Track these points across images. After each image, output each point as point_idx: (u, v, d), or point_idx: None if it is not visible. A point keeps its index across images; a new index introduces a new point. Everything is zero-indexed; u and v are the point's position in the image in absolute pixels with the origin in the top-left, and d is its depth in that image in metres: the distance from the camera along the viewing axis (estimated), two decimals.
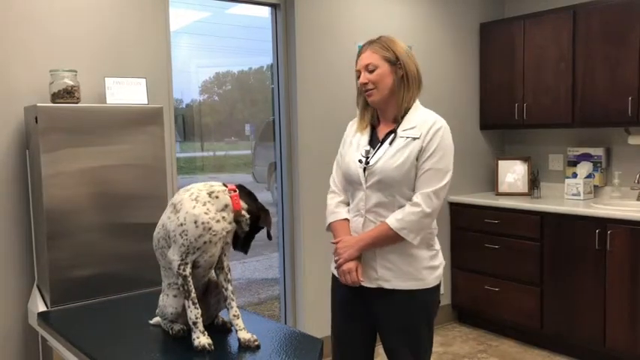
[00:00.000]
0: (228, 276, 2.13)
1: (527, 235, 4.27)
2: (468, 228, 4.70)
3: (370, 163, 2.24)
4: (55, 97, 2.86)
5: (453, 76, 4.82)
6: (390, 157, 2.21)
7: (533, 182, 4.70)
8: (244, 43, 4.49)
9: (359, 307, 2.36)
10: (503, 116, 4.77)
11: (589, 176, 4.47)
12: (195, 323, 2.01)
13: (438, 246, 2.35)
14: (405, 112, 2.28)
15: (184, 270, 2.00)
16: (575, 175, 4.53)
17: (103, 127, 2.87)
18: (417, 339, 2.31)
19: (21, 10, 2.97)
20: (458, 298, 4.85)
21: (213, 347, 2.00)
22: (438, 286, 2.33)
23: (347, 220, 2.34)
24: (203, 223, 1.97)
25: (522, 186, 4.81)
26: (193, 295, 2.01)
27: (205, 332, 2.02)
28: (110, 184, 2.90)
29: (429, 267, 2.27)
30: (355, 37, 4.21)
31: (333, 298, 2.48)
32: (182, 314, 2.13)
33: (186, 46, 4.12)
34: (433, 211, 2.21)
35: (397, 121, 2.28)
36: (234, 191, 2.06)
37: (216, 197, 2.02)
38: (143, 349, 2.13)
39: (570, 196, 4.41)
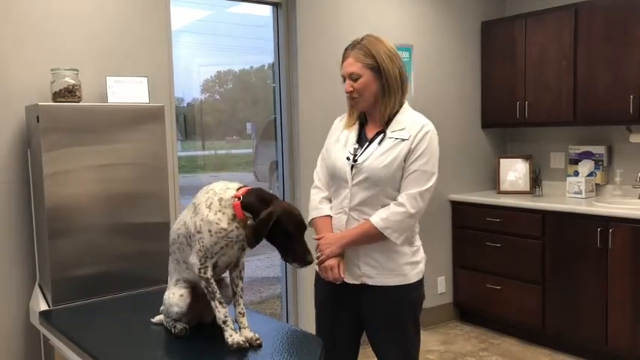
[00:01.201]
0: (242, 273, 2.14)
1: (529, 234, 4.27)
2: (470, 226, 4.70)
3: (358, 161, 2.25)
4: (57, 96, 2.87)
5: (455, 75, 4.82)
6: (379, 156, 2.23)
7: (535, 180, 4.69)
8: (246, 41, 4.49)
9: (343, 306, 2.37)
10: (505, 114, 4.76)
11: (591, 174, 4.46)
12: (225, 322, 2.02)
13: (418, 242, 2.37)
14: (395, 114, 2.29)
15: (205, 272, 2.01)
16: (576, 174, 4.52)
17: (105, 126, 2.87)
18: (404, 334, 2.33)
19: (22, 9, 2.97)
20: (460, 296, 4.85)
21: (247, 344, 2.01)
22: (421, 282, 2.36)
23: (329, 217, 2.35)
24: (217, 232, 1.97)
25: (524, 184, 4.81)
26: (219, 295, 2.03)
27: (237, 330, 2.04)
28: (111, 183, 2.90)
29: (411, 263, 2.30)
30: (357, 36, 4.19)
31: (317, 297, 2.50)
32: (186, 314, 2.14)
33: (187, 44, 4.12)
34: (417, 212, 2.22)
35: (385, 122, 2.29)
36: (238, 199, 1.99)
37: (225, 207, 1.99)
38: (145, 347, 2.13)
39: (572, 194, 4.41)
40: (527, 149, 4.98)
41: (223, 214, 1.98)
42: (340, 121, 2.45)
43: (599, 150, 4.46)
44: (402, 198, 2.21)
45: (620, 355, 3.84)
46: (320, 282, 2.42)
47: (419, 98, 4.57)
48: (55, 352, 2.66)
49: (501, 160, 4.92)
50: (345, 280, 2.28)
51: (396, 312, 2.30)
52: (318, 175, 2.45)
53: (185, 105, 4.29)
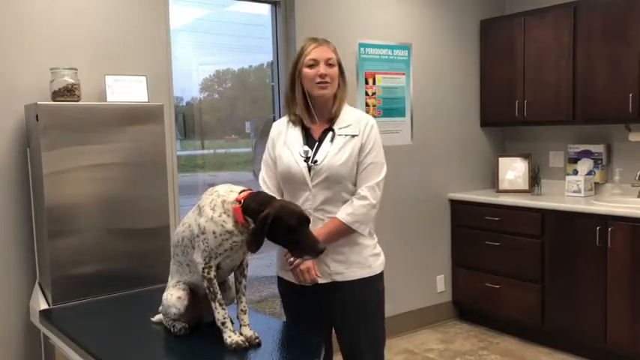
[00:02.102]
0: (245, 271, 2.14)
1: (528, 233, 4.27)
2: (469, 225, 4.70)
3: (317, 162, 2.28)
4: (56, 95, 2.87)
5: (453, 74, 4.82)
6: (335, 154, 2.29)
7: (534, 179, 4.70)
8: (244, 40, 4.49)
9: (314, 307, 2.39)
10: (504, 113, 4.76)
11: (590, 173, 4.47)
12: (223, 324, 2.02)
13: (376, 235, 2.45)
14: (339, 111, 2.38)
15: (209, 273, 2.01)
16: (575, 172, 4.52)
17: (104, 125, 2.88)
18: (374, 325, 2.39)
19: (21, 8, 2.97)
20: (459, 295, 4.85)
21: (246, 344, 2.01)
22: (382, 273, 2.43)
23: None
24: (221, 234, 1.97)
25: (523, 183, 4.81)
26: (220, 296, 2.03)
27: (236, 331, 2.04)
28: (111, 182, 2.90)
29: (374, 254, 2.39)
30: (355, 35, 4.21)
31: (285, 303, 2.53)
32: (184, 314, 2.14)
33: (186, 43, 4.12)
34: (377, 202, 2.34)
35: (332, 120, 2.35)
36: (239, 202, 1.98)
37: (228, 209, 1.99)
38: (145, 346, 2.14)
39: (571, 193, 4.41)
40: (526, 148, 4.98)
41: (228, 216, 1.97)
42: (280, 126, 2.45)
43: (598, 149, 4.46)
44: (363, 191, 2.30)
45: (619, 353, 3.84)
46: (286, 289, 2.46)
47: (418, 97, 4.58)
48: (56, 350, 2.66)
49: (500, 159, 4.92)
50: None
51: (366, 303, 2.36)
52: (266, 182, 2.44)
53: (184, 104, 4.29)
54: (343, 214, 2.28)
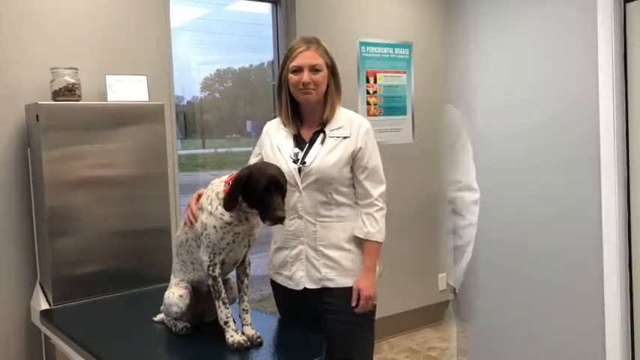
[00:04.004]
0: (247, 270, 2.14)
1: None
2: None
3: (306, 163, 2.24)
4: (56, 94, 2.86)
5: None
6: (325, 156, 2.23)
7: None
8: (245, 39, 4.48)
9: (303, 310, 2.35)
10: None
11: None
12: (226, 323, 2.02)
13: None
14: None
15: (214, 271, 2.01)
16: None
17: (105, 124, 2.87)
18: (368, 330, 2.34)
19: (22, 7, 2.97)
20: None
21: (248, 343, 2.00)
22: None
23: None
24: (222, 227, 1.97)
25: None
26: (224, 295, 2.03)
27: (238, 330, 2.03)
28: (112, 182, 2.90)
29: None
30: (356, 34, 4.20)
31: (278, 305, 2.55)
32: (186, 313, 2.14)
33: (186, 43, 4.11)
34: None
35: (323, 122, 2.30)
36: (229, 185, 1.98)
37: (222, 199, 1.99)
38: (146, 346, 2.14)
39: None
40: None
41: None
42: (271, 128, 2.40)
43: None
44: (377, 201, 2.27)
45: None
46: (279, 295, 2.47)
47: (418, 95, 4.57)
48: (57, 350, 2.66)
49: None
50: (306, 286, 2.28)
51: (354, 311, 2.29)
52: None
53: (185, 103, 4.28)
54: (378, 234, 2.25)
